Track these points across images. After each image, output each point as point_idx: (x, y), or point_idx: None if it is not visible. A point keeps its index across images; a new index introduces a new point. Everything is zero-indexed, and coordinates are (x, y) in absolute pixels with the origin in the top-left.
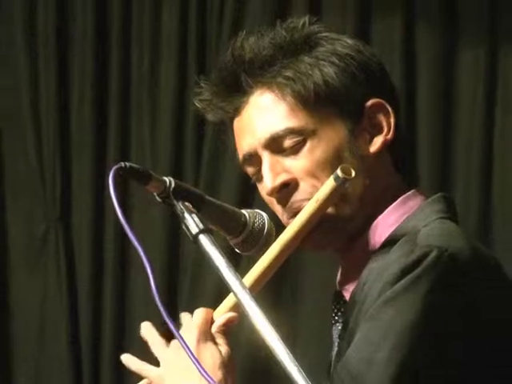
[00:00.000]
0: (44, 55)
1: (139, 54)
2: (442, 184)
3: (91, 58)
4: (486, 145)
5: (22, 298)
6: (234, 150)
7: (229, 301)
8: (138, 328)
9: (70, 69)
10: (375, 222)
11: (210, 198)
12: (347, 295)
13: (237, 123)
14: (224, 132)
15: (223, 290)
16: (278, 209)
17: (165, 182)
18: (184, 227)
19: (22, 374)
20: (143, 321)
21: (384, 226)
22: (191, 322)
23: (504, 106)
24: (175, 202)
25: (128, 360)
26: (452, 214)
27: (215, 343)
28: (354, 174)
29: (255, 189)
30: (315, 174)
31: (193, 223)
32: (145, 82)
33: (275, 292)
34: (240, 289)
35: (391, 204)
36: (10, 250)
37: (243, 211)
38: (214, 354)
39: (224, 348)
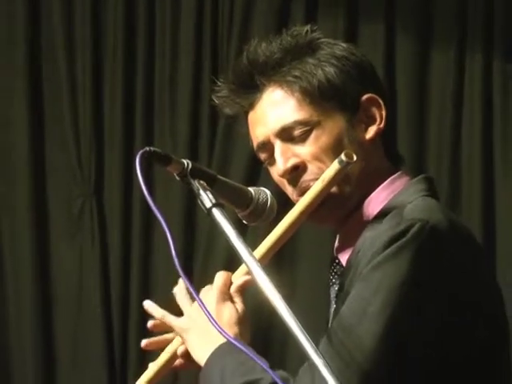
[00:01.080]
0: (81, 62)
1: (161, 58)
2: (417, 166)
3: (121, 56)
4: (454, 132)
5: (62, 264)
6: (247, 138)
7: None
8: (160, 288)
9: (102, 71)
10: (368, 198)
11: (222, 177)
12: (343, 260)
13: (251, 116)
14: (237, 123)
15: (232, 256)
16: (288, 188)
17: (183, 163)
18: (199, 202)
19: (63, 330)
20: (165, 283)
21: (376, 202)
22: (213, 284)
23: (470, 100)
24: (192, 180)
25: (151, 307)
26: (432, 192)
27: (233, 302)
28: (355, 158)
29: (260, 169)
30: (320, 157)
31: (207, 198)
32: (166, 81)
33: (276, 258)
34: (246, 254)
35: (382, 183)
36: (50, 222)
37: (249, 188)
38: (231, 312)
39: (240, 306)
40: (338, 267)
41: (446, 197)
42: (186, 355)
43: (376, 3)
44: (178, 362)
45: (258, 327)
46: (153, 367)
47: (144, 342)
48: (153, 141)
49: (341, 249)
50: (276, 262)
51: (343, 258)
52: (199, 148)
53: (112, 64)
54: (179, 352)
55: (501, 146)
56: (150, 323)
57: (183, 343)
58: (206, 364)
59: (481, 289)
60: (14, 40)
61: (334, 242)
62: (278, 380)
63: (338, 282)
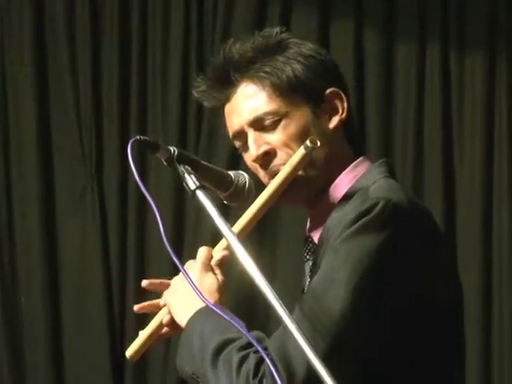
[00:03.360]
0: (82, 58)
1: (153, 54)
2: (385, 151)
3: (117, 57)
4: (417, 117)
5: (66, 236)
6: (225, 128)
7: (224, 241)
8: (154, 256)
9: (101, 65)
10: (334, 182)
11: (205, 162)
12: (315, 238)
13: (227, 108)
14: (217, 115)
15: (217, 233)
16: (260, 172)
17: (169, 150)
18: (184, 185)
19: (68, 293)
20: (158, 252)
21: (341, 185)
22: (196, 258)
23: (430, 86)
24: (178, 165)
25: (146, 282)
26: (392, 173)
27: (214, 273)
28: (319, 144)
29: (240, 156)
30: (289, 144)
31: (191, 181)
32: (157, 75)
33: (258, 236)
34: (228, 232)
35: (346, 168)
36: (57, 200)
37: (230, 172)
38: (212, 281)
39: (220, 277)
40: (311, 245)
41: (410, 181)
42: (171, 324)
43: (346, 2)
44: (165, 330)
45: (239, 298)
46: (142, 335)
47: (136, 307)
48: (146, 130)
49: (312, 228)
50: (258, 239)
51: (315, 236)
52: (187, 137)
53: (109, 58)
54: (164, 321)
55: (458, 125)
56: (136, 306)
57: (169, 313)
58: (187, 325)
59: (438, 262)
60: (22, 30)
61: (307, 223)
62: (252, 340)
63: (311, 258)
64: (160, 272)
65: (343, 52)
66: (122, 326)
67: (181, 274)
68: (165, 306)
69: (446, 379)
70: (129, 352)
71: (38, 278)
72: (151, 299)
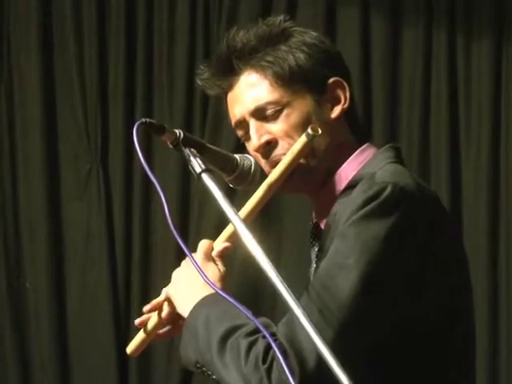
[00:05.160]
0: (88, 43)
1: (159, 40)
2: (391, 138)
3: (123, 43)
4: (424, 103)
5: (72, 221)
6: (228, 116)
7: (225, 233)
8: (160, 242)
9: (107, 50)
10: (339, 170)
11: (211, 145)
12: (322, 224)
13: (230, 97)
14: (222, 101)
15: (222, 217)
16: (262, 161)
17: (175, 133)
18: (190, 168)
19: (73, 277)
20: (162, 236)
21: (347, 172)
22: (197, 249)
23: (436, 71)
24: (183, 148)
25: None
26: (399, 159)
27: (215, 264)
28: (320, 131)
29: (243, 145)
30: (290, 134)
31: (197, 164)
32: (163, 62)
33: (263, 221)
34: (233, 214)
35: (350, 156)
36: (63, 185)
37: (235, 155)
38: (214, 271)
39: (221, 267)
40: (317, 230)
41: (416, 166)
42: (170, 318)
43: None
44: (166, 328)
45: (244, 285)
46: (142, 331)
47: (137, 321)
48: (152, 115)
49: (319, 215)
50: (264, 224)
51: (322, 223)
52: (193, 122)
53: (115, 43)
54: (163, 315)
55: (464, 111)
56: (137, 321)
57: (168, 307)
58: (190, 312)
59: (447, 245)
60: (29, 17)
61: (313, 209)
62: (260, 327)
63: (317, 243)
64: (165, 256)
65: (349, 38)
66: (128, 309)
67: (181, 265)
68: (165, 301)
69: (457, 368)
70: (129, 348)
71: (43, 262)
72: (157, 280)
